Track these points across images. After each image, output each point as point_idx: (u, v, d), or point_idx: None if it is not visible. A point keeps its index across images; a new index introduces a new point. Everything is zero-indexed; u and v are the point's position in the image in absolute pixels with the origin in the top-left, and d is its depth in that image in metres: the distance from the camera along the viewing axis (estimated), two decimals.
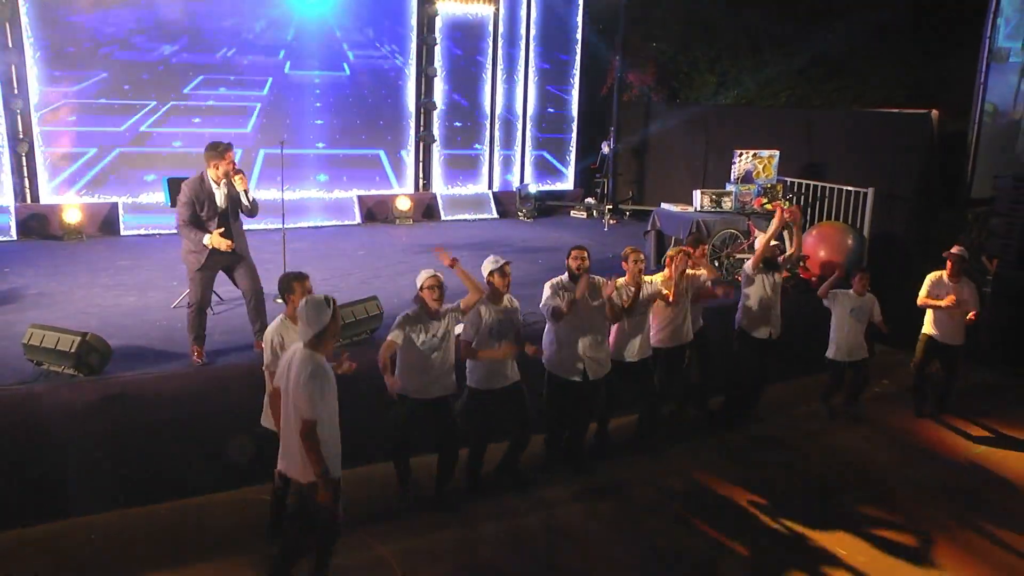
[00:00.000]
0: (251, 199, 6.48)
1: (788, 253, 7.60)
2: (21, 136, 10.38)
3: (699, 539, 5.65)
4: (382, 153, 12.89)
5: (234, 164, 6.32)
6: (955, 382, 7.95)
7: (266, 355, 4.96)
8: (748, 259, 8.15)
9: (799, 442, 7.30)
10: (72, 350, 5.66)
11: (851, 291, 7.61)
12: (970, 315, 7.60)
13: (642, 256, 6.36)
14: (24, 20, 10.12)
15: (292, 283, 5.06)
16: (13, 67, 10.17)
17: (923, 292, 7.76)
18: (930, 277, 7.79)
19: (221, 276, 6.60)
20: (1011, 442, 7.45)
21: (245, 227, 6.59)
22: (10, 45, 10.09)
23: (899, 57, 15.75)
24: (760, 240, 7.38)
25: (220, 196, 6.30)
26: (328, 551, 4.66)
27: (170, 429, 5.72)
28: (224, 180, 6.29)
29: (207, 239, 6.19)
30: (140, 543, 5.28)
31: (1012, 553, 5.64)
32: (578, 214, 13.89)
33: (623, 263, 6.39)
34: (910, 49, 15.71)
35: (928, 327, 7.79)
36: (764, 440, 7.31)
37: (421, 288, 5.53)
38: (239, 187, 6.35)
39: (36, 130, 10.47)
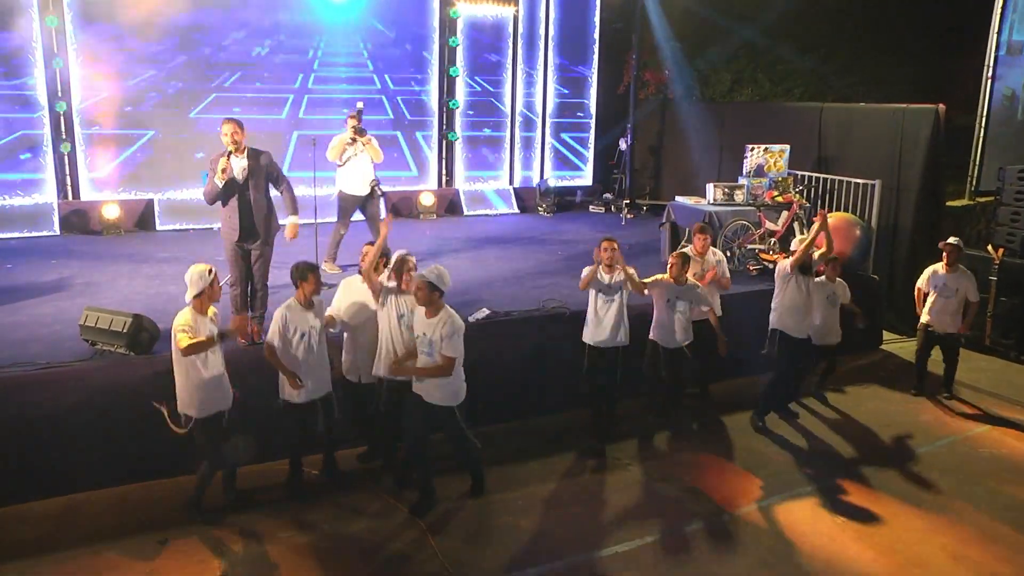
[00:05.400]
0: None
1: (820, 252, 7.45)
2: (64, 137, 10.92)
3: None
4: (399, 135, 13.30)
5: (232, 135, 6.42)
6: (954, 369, 8.29)
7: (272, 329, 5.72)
8: (759, 249, 8.51)
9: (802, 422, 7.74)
10: (125, 330, 6.07)
11: (823, 277, 7.85)
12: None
13: (615, 246, 6.62)
14: (68, 27, 10.65)
15: (306, 272, 5.73)
16: (58, 71, 10.70)
17: (921, 282, 8.22)
18: (928, 269, 8.19)
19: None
20: (1010, 424, 7.77)
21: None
22: (55, 50, 10.63)
23: (909, 53, 15.98)
24: (801, 244, 7.22)
25: (237, 168, 6.50)
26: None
27: None
28: (243, 154, 6.51)
29: (221, 162, 6.40)
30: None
31: (990, 518, 5.99)
32: (596, 209, 14.18)
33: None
34: (921, 44, 15.95)
35: (924, 317, 8.16)
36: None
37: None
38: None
39: (78, 131, 11.00)
